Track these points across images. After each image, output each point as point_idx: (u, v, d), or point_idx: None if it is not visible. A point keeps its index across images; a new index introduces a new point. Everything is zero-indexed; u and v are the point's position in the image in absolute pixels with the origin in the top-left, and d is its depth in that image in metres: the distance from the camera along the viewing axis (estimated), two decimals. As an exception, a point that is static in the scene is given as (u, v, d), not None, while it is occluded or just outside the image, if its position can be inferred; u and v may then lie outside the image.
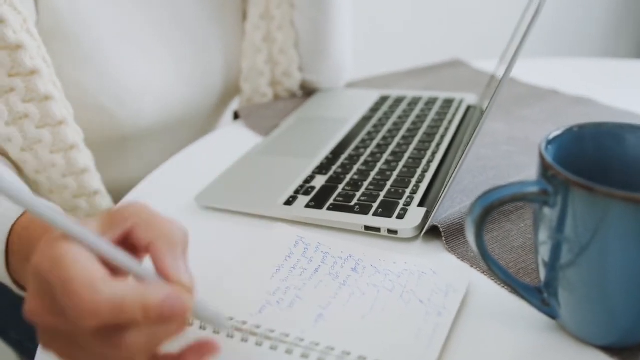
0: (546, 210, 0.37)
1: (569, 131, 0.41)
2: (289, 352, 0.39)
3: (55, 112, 0.59)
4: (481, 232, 0.38)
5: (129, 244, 0.36)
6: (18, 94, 0.57)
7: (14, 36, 0.55)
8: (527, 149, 0.68)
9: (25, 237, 0.45)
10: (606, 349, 0.39)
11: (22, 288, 0.48)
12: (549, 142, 0.39)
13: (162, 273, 0.34)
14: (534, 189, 0.36)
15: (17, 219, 0.47)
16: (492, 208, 0.37)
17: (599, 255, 0.35)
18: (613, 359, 0.39)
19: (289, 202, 0.56)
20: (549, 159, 0.37)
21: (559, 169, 0.35)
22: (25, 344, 0.79)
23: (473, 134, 0.49)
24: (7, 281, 0.48)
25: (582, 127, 0.41)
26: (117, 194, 0.71)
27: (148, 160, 0.77)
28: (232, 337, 0.41)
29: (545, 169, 0.36)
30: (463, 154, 0.50)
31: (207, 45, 0.79)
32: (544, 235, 0.38)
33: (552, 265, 0.38)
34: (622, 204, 0.33)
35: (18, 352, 0.82)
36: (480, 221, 0.37)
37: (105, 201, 0.67)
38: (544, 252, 0.38)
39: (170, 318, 0.31)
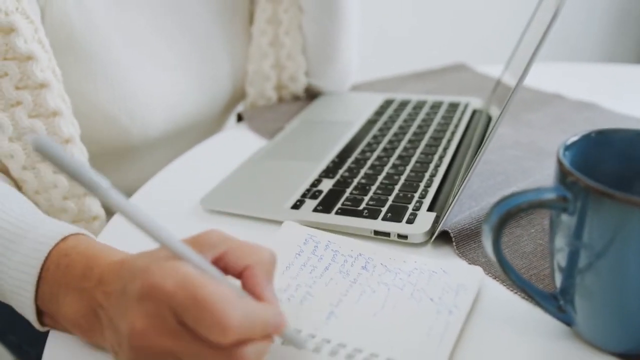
0: (564, 217, 0.36)
1: (586, 137, 0.41)
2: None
3: (63, 129, 0.57)
4: (498, 240, 0.37)
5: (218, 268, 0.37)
6: (25, 108, 0.55)
7: (24, 46, 0.53)
8: (533, 153, 0.67)
9: (64, 266, 0.42)
10: (622, 355, 0.39)
11: (41, 320, 0.44)
12: (567, 148, 0.39)
13: (257, 295, 0.36)
14: (552, 196, 0.36)
15: (56, 245, 0.44)
16: (510, 215, 0.36)
17: (617, 263, 0.35)
18: (629, 367, 0.39)
19: (296, 206, 0.55)
20: (567, 165, 0.36)
21: (579, 175, 0.35)
22: (24, 347, 0.78)
23: (484, 141, 0.48)
24: (30, 311, 0.43)
25: (599, 133, 0.41)
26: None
27: (153, 167, 0.76)
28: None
29: (564, 175, 0.36)
30: (473, 159, 0.49)
31: (215, 52, 0.78)
32: (561, 241, 0.37)
33: (569, 271, 0.37)
34: (643, 211, 0.32)
35: (16, 355, 0.81)
36: (498, 228, 0.37)
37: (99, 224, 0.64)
38: (561, 259, 0.38)
39: (274, 334, 0.35)
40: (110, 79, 0.65)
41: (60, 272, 0.42)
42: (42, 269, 0.43)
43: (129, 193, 0.66)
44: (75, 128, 0.58)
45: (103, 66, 0.65)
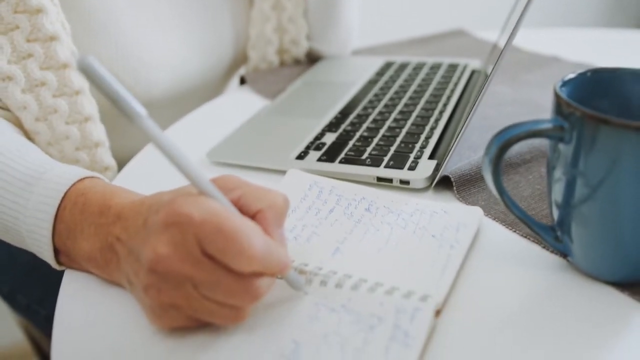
0: (561, 147, 0.38)
1: (582, 75, 0.42)
2: (308, 281, 0.41)
3: (73, 81, 0.58)
4: (498, 170, 0.39)
5: None
6: (36, 60, 0.56)
7: None
8: (530, 109, 0.69)
9: (81, 204, 0.44)
10: (616, 284, 0.41)
11: (58, 257, 0.46)
12: (564, 84, 0.40)
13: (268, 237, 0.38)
14: (549, 125, 0.37)
15: (73, 185, 0.45)
16: (509, 144, 0.38)
17: (613, 189, 0.36)
18: (623, 293, 0.40)
19: (300, 157, 0.57)
20: (564, 96, 0.38)
21: (575, 104, 0.36)
22: (32, 307, 0.80)
23: (480, 93, 0.50)
24: (47, 249, 0.45)
25: (595, 72, 0.42)
26: (123, 162, 0.71)
27: (144, 139, 0.77)
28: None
29: (560, 105, 0.37)
30: (471, 110, 0.51)
31: (217, 15, 0.79)
32: (558, 172, 0.39)
33: (566, 201, 0.39)
34: (637, 135, 0.34)
35: (25, 316, 0.82)
36: (497, 158, 0.38)
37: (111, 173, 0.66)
38: (558, 190, 0.39)
39: (280, 273, 0.37)
40: (112, 38, 0.66)
41: (77, 210, 0.43)
42: (58, 207, 0.44)
43: (134, 154, 0.67)
44: (85, 80, 0.59)
45: (104, 25, 0.66)
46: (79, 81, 0.58)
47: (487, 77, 0.50)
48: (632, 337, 0.37)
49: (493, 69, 0.50)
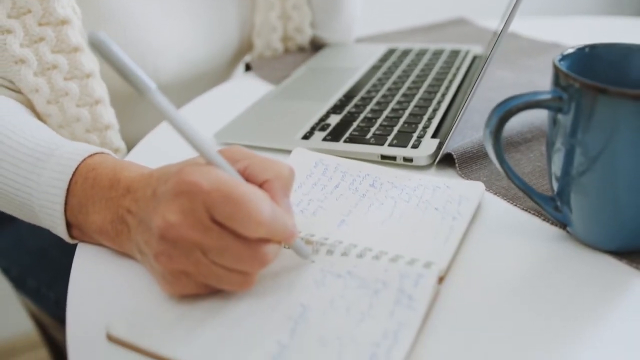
0: (560, 117, 0.39)
1: (581, 50, 0.43)
2: (315, 250, 0.42)
3: (84, 64, 0.59)
4: (499, 140, 0.40)
5: None
6: (48, 43, 0.57)
7: None
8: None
9: (92, 179, 0.45)
10: (614, 253, 0.42)
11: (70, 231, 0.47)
12: (562, 58, 0.42)
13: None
14: (547, 96, 0.39)
15: (83, 160, 0.46)
16: (509, 115, 0.39)
17: (610, 158, 0.37)
18: (621, 261, 0.41)
19: (306, 137, 0.58)
20: (562, 68, 0.39)
21: (573, 75, 0.37)
22: (42, 290, 0.81)
23: (480, 73, 0.51)
24: (60, 223, 0.46)
25: (593, 47, 0.44)
26: (132, 145, 0.72)
27: (152, 121, 0.78)
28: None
29: (558, 77, 0.39)
30: (472, 89, 0.52)
31: (223, 2, 0.80)
32: (557, 143, 0.40)
33: (565, 171, 0.40)
34: (634, 103, 0.35)
35: (34, 301, 0.84)
36: (498, 128, 0.40)
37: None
38: (557, 161, 0.41)
39: (287, 240, 0.38)
40: (121, 24, 0.68)
41: (88, 185, 0.45)
42: (70, 182, 0.45)
43: (143, 136, 0.68)
44: (96, 64, 0.61)
45: (113, 11, 0.67)
46: (90, 64, 0.60)
47: (487, 58, 0.51)
48: (630, 302, 0.38)
49: (493, 47, 0.51)
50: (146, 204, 0.39)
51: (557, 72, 0.39)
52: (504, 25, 0.51)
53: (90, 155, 0.47)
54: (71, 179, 0.46)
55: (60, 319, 0.83)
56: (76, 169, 0.46)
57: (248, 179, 0.39)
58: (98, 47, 0.33)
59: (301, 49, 0.89)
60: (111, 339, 0.37)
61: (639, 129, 0.36)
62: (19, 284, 0.84)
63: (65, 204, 0.46)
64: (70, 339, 0.38)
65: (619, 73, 0.44)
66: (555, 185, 0.42)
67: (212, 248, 0.36)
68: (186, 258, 0.37)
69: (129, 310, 0.39)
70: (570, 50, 0.43)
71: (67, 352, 0.37)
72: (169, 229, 0.36)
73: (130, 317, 0.38)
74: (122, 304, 0.40)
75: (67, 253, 0.82)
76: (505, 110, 0.39)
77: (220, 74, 0.85)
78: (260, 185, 0.39)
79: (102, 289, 0.42)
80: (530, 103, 0.39)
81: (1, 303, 1.41)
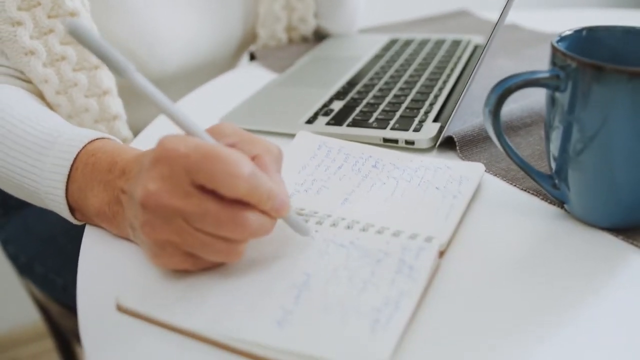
0: (557, 95, 0.40)
1: (578, 32, 0.44)
2: (319, 223, 0.43)
3: (93, 55, 0.60)
4: (498, 118, 0.41)
5: None
6: (57, 35, 0.59)
7: None
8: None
9: (92, 164, 0.46)
10: (610, 229, 0.43)
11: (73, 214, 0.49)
12: (560, 40, 0.43)
13: None
14: (545, 75, 0.40)
15: (84, 147, 0.47)
16: (508, 93, 0.40)
17: (607, 134, 0.39)
18: (617, 237, 0.43)
19: (310, 121, 0.60)
20: (560, 47, 0.40)
21: (570, 53, 0.39)
22: (50, 276, 0.82)
23: (480, 57, 0.52)
24: (63, 208, 0.48)
25: (590, 30, 0.45)
26: (135, 134, 0.74)
27: (158, 112, 0.79)
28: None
29: (556, 56, 0.40)
30: (472, 75, 0.53)
31: None
32: (555, 121, 0.41)
33: (563, 148, 0.41)
34: (629, 80, 0.36)
35: (42, 287, 0.85)
36: (497, 107, 0.41)
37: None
38: (555, 139, 0.42)
39: (277, 212, 0.38)
40: (128, 15, 0.69)
41: (88, 170, 0.46)
42: (71, 169, 0.47)
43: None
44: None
45: (120, 2, 0.68)
46: None
47: (488, 41, 0.52)
48: (627, 277, 0.39)
49: (493, 30, 0.52)
50: (135, 179, 0.40)
51: (554, 52, 0.40)
52: (505, 6, 0.52)
53: (91, 141, 0.48)
54: (72, 166, 0.47)
55: (67, 305, 0.84)
56: (76, 155, 0.47)
57: None
58: (74, 34, 0.34)
59: (305, 40, 0.90)
60: (121, 309, 0.38)
61: (634, 106, 0.37)
62: (27, 271, 0.85)
63: (67, 189, 0.47)
64: (81, 311, 0.39)
65: (615, 55, 0.45)
66: (553, 164, 0.43)
67: (192, 214, 0.36)
68: (168, 226, 0.37)
69: (138, 283, 0.40)
70: (568, 32, 0.44)
71: (79, 323, 0.38)
72: (149, 197, 0.37)
73: (139, 289, 0.39)
74: (131, 278, 0.41)
75: (74, 239, 0.83)
76: (504, 89, 0.40)
77: (225, 64, 0.86)
78: (251, 160, 0.39)
79: (112, 264, 0.43)
80: (528, 81, 0.40)
81: (6, 294, 1.43)
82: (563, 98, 0.40)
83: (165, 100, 0.37)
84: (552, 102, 0.41)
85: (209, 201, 0.36)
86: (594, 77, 0.37)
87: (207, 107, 0.68)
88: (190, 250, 0.38)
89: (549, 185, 0.44)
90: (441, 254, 0.41)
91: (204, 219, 0.36)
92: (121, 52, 0.69)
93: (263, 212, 0.37)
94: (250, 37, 0.88)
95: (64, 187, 0.47)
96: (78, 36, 0.35)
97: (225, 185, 0.35)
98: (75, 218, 0.49)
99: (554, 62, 0.40)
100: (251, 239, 0.38)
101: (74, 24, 0.34)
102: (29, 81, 0.60)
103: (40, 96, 0.62)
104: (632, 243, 0.42)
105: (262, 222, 0.37)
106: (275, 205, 0.37)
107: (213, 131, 0.40)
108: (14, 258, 0.87)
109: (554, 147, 0.42)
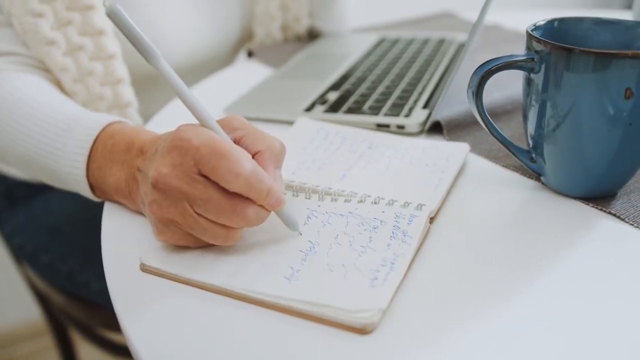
0: (532, 76, 0.45)
1: (550, 22, 0.49)
2: (320, 199, 0.48)
3: (108, 46, 0.65)
4: (480, 98, 0.46)
5: None
6: (75, 27, 0.63)
7: None
8: (516, 74, 0.76)
9: (110, 145, 0.50)
10: (582, 198, 0.48)
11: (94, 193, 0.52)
12: (535, 29, 0.48)
13: None
14: (521, 58, 0.45)
15: (103, 129, 0.51)
16: (488, 75, 0.45)
17: (576, 110, 0.43)
18: (588, 205, 0.47)
19: (308, 109, 0.64)
20: (534, 34, 0.45)
21: (543, 39, 0.44)
22: (55, 265, 0.85)
23: (466, 45, 0.57)
24: (84, 186, 0.51)
25: (561, 21, 0.50)
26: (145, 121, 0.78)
27: (171, 97, 0.84)
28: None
29: (530, 41, 0.45)
30: (459, 61, 0.58)
31: None
32: (532, 100, 0.46)
33: (539, 124, 0.46)
34: (596, 60, 0.41)
35: (46, 276, 0.88)
36: (478, 87, 0.46)
37: None
38: (532, 116, 0.47)
39: (273, 207, 0.41)
40: (135, 10, 0.73)
41: (107, 151, 0.50)
42: (91, 150, 0.51)
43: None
44: (117, 46, 0.67)
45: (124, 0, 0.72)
46: (113, 46, 0.66)
47: (473, 31, 0.57)
48: (597, 240, 0.44)
49: (475, 24, 0.57)
50: (150, 159, 0.44)
51: (529, 37, 0.45)
52: (485, 4, 0.57)
53: (110, 124, 0.52)
54: (92, 146, 0.51)
55: (71, 294, 0.88)
56: (96, 137, 0.51)
57: (242, 147, 0.43)
58: (113, 16, 0.39)
59: (298, 38, 0.95)
60: (144, 269, 0.42)
61: (599, 85, 0.42)
62: (33, 260, 0.88)
63: (88, 169, 0.51)
64: (108, 271, 0.43)
65: (584, 43, 0.50)
66: (530, 141, 0.48)
67: (197, 199, 0.40)
68: (174, 207, 0.40)
69: (159, 246, 0.44)
70: (542, 22, 0.49)
71: (107, 283, 0.42)
72: (160, 178, 0.40)
73: (161, 251, 0.43)
74: (152, 241, 0.45)
75: (79, 229, 0.87)
76: (485, 71, 0.45)
77: (224, 60, 0.91)
78: (253, 156, 0.42)
79: (133, 229, 0.47)
80: (506, 63, 0.45)
81: (4, 291, 1.45)
82: (537, 79, 0.45)
83: (185, 88, 0.41)
84: (528, 83, 0.46)
85: (213, 190, 0.40)
86: (564, 58, 0.42)
87: (209, 100, 0.72)
88: (191, 231, 0.41)
89: (527, 159, 0.49)
90: (431, 220, 0.46)
91: (206, 205, 0.40)
92: (124, 48, 0.73)
93: (260, 205, 0.41)
94: (247, 35, 0.92)
95: (84, 167, 0.51)
96: (115, 18, 0.39)
97: (227, 181, 0.39)
98: (95, 195, 0.53)
99: (528, 47, 0.45)
100: (246, 227, 0.42)
101: (113, 7, 0.38)
102: (47, 70, 0.64)
103: (58, 85, 0.66)
104: (601, 209, 0.47)
105: (258, 214, 0.41)
106: (272, 202, 0.41)
107: (223, 123, 0.43)
108: (20, 248, 0.90)
109: (531, 125, 0.47)
